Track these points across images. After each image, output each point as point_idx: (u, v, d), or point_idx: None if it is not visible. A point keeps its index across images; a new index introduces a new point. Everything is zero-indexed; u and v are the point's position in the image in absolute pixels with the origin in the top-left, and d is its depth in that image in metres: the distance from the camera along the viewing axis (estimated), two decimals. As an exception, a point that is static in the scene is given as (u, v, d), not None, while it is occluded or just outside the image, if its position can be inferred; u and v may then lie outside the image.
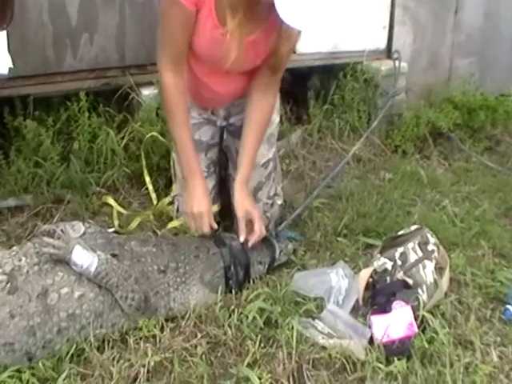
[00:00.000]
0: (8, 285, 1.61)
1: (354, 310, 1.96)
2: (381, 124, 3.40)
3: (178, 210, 2.38)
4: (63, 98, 2.61)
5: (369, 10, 3.42)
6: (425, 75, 3.71)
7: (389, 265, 1.95)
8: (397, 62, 3.44)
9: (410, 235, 2.09)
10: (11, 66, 1.94)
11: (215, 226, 2.08)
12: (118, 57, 2.64)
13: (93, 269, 1.69)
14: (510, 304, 2.06)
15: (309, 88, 3.39)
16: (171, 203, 2.44)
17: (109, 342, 1.73)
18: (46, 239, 1.69)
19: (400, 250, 1.98)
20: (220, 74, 2.08)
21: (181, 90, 2.03)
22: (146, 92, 2.72)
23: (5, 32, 1.93)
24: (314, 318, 1.90)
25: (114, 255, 1.78)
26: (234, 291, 2.00)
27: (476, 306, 2.08)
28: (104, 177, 2.56)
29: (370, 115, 3.42)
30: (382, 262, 1.95)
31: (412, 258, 1.97)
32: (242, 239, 2.07)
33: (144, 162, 2.56)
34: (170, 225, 2.29)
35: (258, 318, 1.86)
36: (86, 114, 2.57)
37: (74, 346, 1.66)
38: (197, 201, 2.04)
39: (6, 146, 2.49)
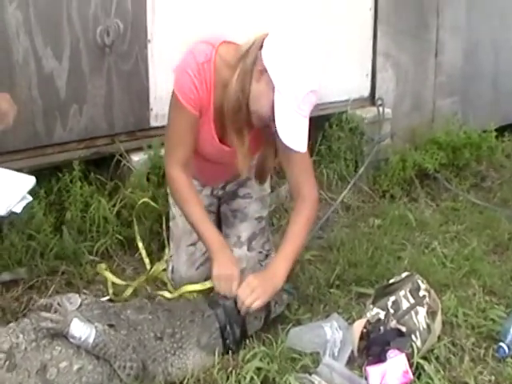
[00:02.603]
0: (7, 362, 1.64)
1: (350, 362, 1.99)
2: (368, 170, 3.48)
3: (172, 271, 2.43)
4: (54, 168, 2.67)
5: (351, 59, 3.54)
6: (409, 118, 3.79)
7: (382, 314, 1.98)
8: (381, 109, 3.54)
9: (401, 282, 2.13)
10: (17, 211, 1.96)
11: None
12: (107, 125, 2.71)
13: (91, 340, 1.72)
14: (502, 341, 2.09)
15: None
16: (165, 269, 2.48)
17: (109, 411, 1.76)
18: (44, 314, 1.73)
19: (392, 298, 2.02)
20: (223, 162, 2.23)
21: (190, 181, 2.19)
22: (136, 158, 2.78)
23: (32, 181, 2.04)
24: (310, 374, 1.92)
25: (110, 325, 1.81)
26: (231, 351, 2.02)
27: (469, 346, 2.12)
28: (97, 245, 2.60)
29: (357, 163, 3.49)
30: (374, 312, 1.99)
31: (404, 305, 2.01)
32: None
33: (136, 228, 2.61)
34: (190, 288, 2.27)
35: (255, 377, 1.88)
36: (78, 184, 2.63)
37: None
38: (227, 265, 2.08)
39: (-1, 221, 2.54)
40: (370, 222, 3.14)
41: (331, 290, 2.46)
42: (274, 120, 1.92)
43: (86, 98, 2.63)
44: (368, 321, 1.98)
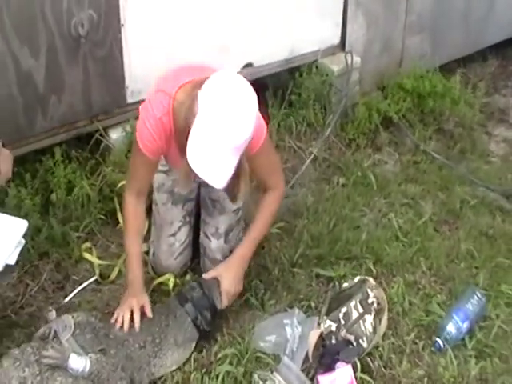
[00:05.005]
0: (17, 398, 1.97)
1: (306, 361, 2.31)
2: (335, 117, 3.64)
3: (153, 255, 2.70)
4: (38, 152, 2.82)
5: (322, 10, 3.55)
6: (378, 61, 3.88)
7: (333, 326, 2.30)
8: (349, 59, 3.62)
9: (354, 288, 2.44)
10: (11, 263, 2.02)
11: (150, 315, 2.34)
12: (86, 108, 2.82)
13: (87, 370, 2.03)
14: (439, 337, 2.43)
15: (268, 98, 3.56)
16: (147, 252, 2.73)
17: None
18: (45, 353, 2.01)
19: (343, 310, 2.33)
20: None
21: (139, 213, 2.39)
22: (114, 136, 2.94)
23: (24, 226, 2.07)
24: (272, 371, 2.28)
25: (101, 349, 2.12)
26: (206, 332, 2.36)
27: (411, 339, 2.46)
28: (83, 224, 2.81)
29: (326, 110, 3.65)
30: (327, 324, 2.30)
31: (354, 315, 2.32)
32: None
33: (118, 206, 2.85)
34: (156, 281, 2.60)
35: (226, 378, 2.25)
36: (61, 167, 2.80)
37: None
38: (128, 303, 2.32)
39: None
40: (335, 180, 3.37)
41: (294, 270, 2.76)
42: None
43: (63, 87, 2.71)
44: (322, 332, 2.30)
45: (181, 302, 2.37)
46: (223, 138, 1.96)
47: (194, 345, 2.34)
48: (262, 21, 3.31)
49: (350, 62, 3.61)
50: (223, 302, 2.41)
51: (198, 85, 2.04)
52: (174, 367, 2.30)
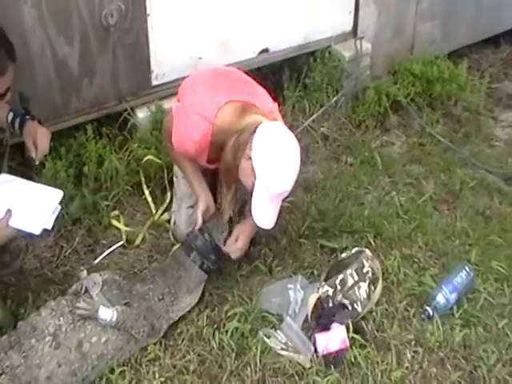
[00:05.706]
0: (54, 343, 2.26)
1: (306, 322, 2.60)
2: (346, 100, 3.89)
3: (174, 223, 2.99)
4: (72, 129, 3.12)
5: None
6: (389, 46, 4.09)
7: (330, 291, 2.57)
8: (359, 45, 3.84)
9: (352, 258, 2.71)
10: (48, 228, 2.26)
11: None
12: (115, 90, 3.11)
13: (114, 320, 2.34)
14: (428, 306, 2.68)
15: (284, 81, 3.81)
16: (169, 221, 3.04)
17: (127, 364, 2.42)
18: (78, 305, 2.33)
19: (340, 277, 2.60)
20: None
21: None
22: (141, 115, 3.22)
23: (60, 195, 2.33)
24: (275, 329, 2.58)
25: (126, 303, 2.43)
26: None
27: (402, 307, 2.71)
28: (111, 194, 3.11)
29: (338, 93, 3.89)
30: (325, 289, 2.58)
31: (349, 282, 2.60)
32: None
33: (143, 179, 3.15)
34: (176, 247, 2.89)
35: (234, 333, 2.54)
36: (93, 142, 3.10)
37: (105, 377, 2.36)
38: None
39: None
40: (343, 159, 3.63)
41: (301, 240, 3.03)
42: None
43: (95, 71, 3.00)
44: (320, 296, 2.58)
45: (187, 253, 2.64)
46: (281, 195, 2.39)
47: (203, 284, 2.66)
48: (277, 8, 3.56)
49: (360, 48, 3.83)
50: (231, 255, 2.70)
51: (247, 126, 2.37)
52: (189, 308, 2.62)
